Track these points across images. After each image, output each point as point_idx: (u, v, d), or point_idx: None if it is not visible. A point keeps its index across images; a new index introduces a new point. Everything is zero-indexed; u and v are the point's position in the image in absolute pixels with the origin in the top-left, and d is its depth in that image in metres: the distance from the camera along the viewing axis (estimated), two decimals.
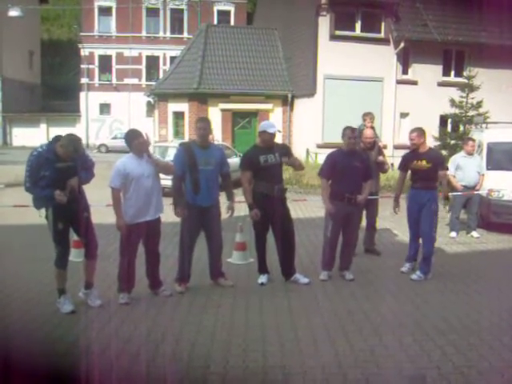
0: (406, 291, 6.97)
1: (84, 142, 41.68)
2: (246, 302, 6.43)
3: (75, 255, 7.64)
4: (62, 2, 52.43)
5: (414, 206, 7.59)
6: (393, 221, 11.56)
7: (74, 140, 5.87)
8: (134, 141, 6.26)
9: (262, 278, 7.13)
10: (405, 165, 7.74)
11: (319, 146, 20.75)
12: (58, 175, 5.73)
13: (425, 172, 7.47)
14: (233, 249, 8.36)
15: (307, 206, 13.63)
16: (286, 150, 7.07)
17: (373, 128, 8.72)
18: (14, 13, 26.67)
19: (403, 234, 10.44)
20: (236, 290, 6.85)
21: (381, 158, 8.55)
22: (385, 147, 9.15)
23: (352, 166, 7.07)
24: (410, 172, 7.75)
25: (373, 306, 6.32)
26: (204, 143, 6.73)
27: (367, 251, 8.75)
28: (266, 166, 6.82)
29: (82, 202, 6.07)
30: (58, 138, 5.91)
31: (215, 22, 42.15)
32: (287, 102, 24.16)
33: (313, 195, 15.65)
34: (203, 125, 6.74)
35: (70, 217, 5.91)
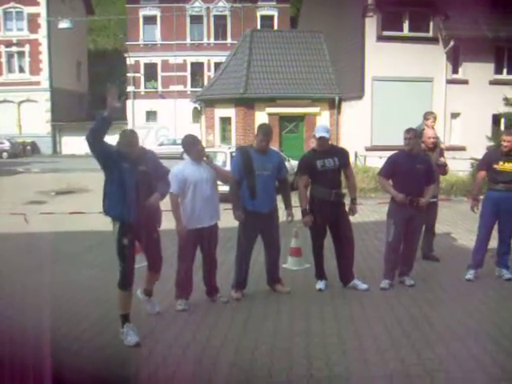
0: (469, 298, 6.71)
1: None
2: (305, 308, 6.30)
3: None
4: (107, 13, 53.38)
5: (493, 209, 7.27)
6: (449, 224, 11.28)
7: (127, 134, 5.49)
8: (194, 148, 6.26)
9: (320, 284, 7.00)
10: (488, 164, 7.34)
11: (368, 149, 20.45)
12: (136, 180, 5.25)
13: (510, 174, 7.18)
14: (288, 254, 8.25)
15: (359, 210, 13.35)
16: (344, 157, 6.93)
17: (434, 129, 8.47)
18: (63, 25, 27.37)
19: (461, 238, 10.15)
20: (294, 297, 6.73)
21: (442, 159, 8.30)
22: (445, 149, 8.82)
23: (414, 168, 6.85)
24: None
25: (436, 313, 6.11)
26: (264, 149, 6.65)
27: (425, 257, 8.46)
28: (324, 171, 6.71)
29: (156, 218, 5.79)
30: None
31: (258, 27, 42.23)
32: (334, 105, 23.88)
33: (363, 199, 15.39)
34: (266, 137, 6.60)
35: (137, 233, 5.40)
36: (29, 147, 41.85)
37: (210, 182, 6.30)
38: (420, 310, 6.18)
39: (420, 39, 20.78)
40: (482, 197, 7.57)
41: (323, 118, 23.72)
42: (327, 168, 6.72)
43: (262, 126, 6.92)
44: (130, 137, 5.40)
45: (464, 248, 9.10)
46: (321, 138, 6.76)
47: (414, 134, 6.95)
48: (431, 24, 20.96)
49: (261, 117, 22.69)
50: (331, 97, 23.93)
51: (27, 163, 33.80)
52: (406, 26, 20.99)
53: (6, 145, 39.66)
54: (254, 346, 5.20)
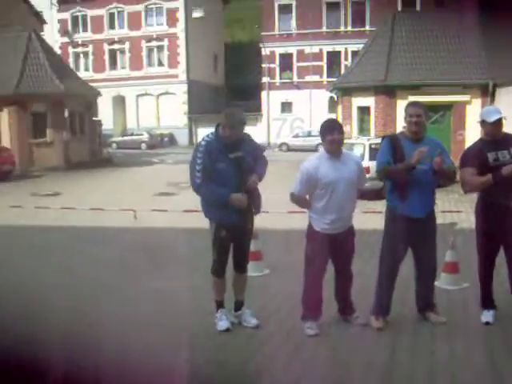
0: None
1: (265, 140, 41.86)
2: (467, 350, 4.78)
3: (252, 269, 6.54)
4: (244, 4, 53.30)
5: None
6: None
7: (233, 112, 5.23)
8: (328, 136, 5.00)
9: (487, 316, 5.34)
10: None
11: None
12: (233, 168, 5.02)
13: None
14: (441, 270, 6.63)
15: None
16: None
17: None
18: (197, 14, 27.17)
19: None
20: (452, 330, 5.18)
21: None
22: None
23: None
24: None
25: None
26: (417, 135, 5.17)
27: None
28: (496, 166, 5.04)
29: (254, 204, 5.26)
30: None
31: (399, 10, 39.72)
32: (487, 92, 21.21)
33: None
34: (416, 110, 5.17)
35: (235, 225, 5.13)
36: (166, 139, 42.77)
37: (351, 182, 5.05)
38: None
39: None
40: None
41: (474, 107, 21.19)
42: (502, 163, 5.06)
43: (411, 101, 5.78)
44: (241, 116, 5.20)
45: None
46: (496, 122, 5.11)
47: None
48: None
49: (403, 106, 20.69)
50: (484, 82, 21.30)
51: (163, 154, 34.35)
52: None
53: (145, 136, 40.92)
54: None
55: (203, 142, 5.09)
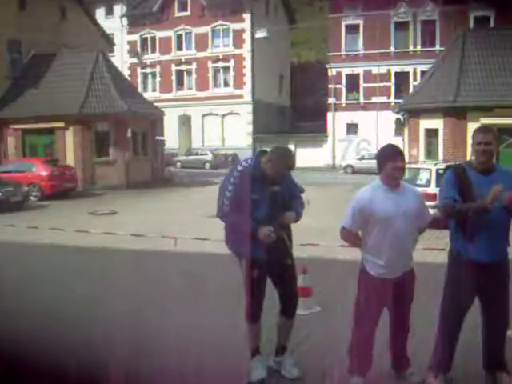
0: None
1: (330, 162, 41.07)
2: None
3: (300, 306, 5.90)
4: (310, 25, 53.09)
5: None
6: None
7: (285, 155, 4.64)
8: (389, 163, 4.29)
9: None
10: None
11: None
12: (268, 202, 4.55)
13: None
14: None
15: None
16: None
17: None
18: (260, 34, 27.22)
19: None
20: None
21: None
22: None
23: None
24: None
25: None
26: (485, 165, 4.42)
27: None
28: None
29: (289, 243, 4.79)
30: (263, 153, 4.73)
31: None
32: None
33: None
34: (485, 137, 4.42)
35: (269, 262, 4.59)
36: (230, 159, 42.69)
37: (410, 217, 4.32)
38: None
39: None
40: None
41: None
42: None
43: (479, 127, 4.96)
44: (291, 160, 4.69)
45: None
46: None
47: None
48: None
49: (474, 128, 19.68)
50: None
51: (226, 174, 34.23)
52: None
53: (209, 156, 41.17)
54: None
55: (240, 168, 4.64)
